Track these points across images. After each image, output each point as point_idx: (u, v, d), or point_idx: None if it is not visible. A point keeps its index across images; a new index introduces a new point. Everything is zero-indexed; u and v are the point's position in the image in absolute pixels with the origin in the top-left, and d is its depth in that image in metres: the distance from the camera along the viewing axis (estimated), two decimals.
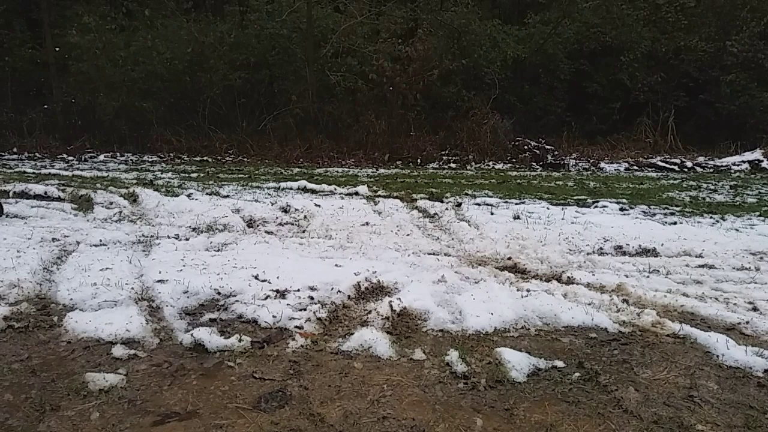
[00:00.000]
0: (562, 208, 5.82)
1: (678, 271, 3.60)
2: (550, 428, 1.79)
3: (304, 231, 4.60)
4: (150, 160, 11.95)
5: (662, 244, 4.20)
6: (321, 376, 2.10)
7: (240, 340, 2.34)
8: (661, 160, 12.20)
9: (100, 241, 3.98)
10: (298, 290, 2.94)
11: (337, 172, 10.15)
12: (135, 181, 7.78)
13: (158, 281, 2.97)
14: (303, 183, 7.44)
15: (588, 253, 4.03)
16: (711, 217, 5.61)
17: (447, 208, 5.61)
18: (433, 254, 3.96)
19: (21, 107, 13.61)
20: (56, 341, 2.35)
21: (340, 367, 2.17)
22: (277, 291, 2.93)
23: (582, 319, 2.65)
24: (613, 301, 2.93)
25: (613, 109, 14.87)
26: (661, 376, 2.15)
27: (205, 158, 12.24)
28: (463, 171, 10.97)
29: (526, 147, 12.71)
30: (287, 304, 2.75)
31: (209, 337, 2.35)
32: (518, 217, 5.27)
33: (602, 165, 12.20)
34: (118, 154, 12.55)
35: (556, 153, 12.69)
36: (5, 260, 3.28)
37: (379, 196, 6.69)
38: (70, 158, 11.77)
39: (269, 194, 6.71)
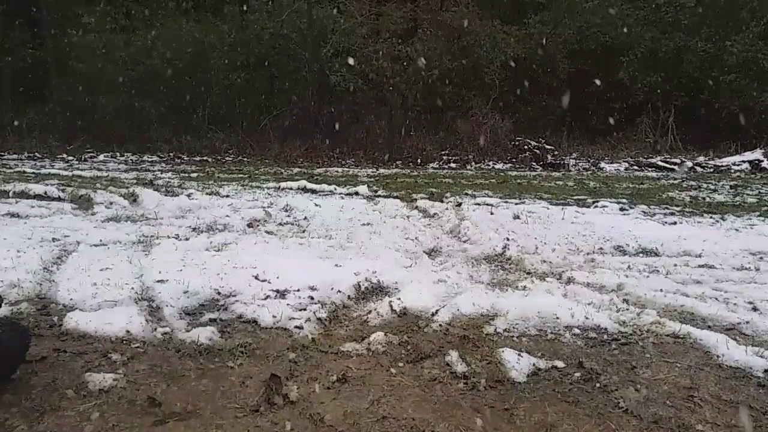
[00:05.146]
0: (562, 208, 5.82)
1: (678, 271, 3.59)
2: (550, 428, 1.79)
3: (304, 231, 4.59)
4: (150, 160, 11.94)
5: (662, 244, 4.19)
6: (321, 376, 2.10)
7: (240, 340, 2.34)
8: (661, 160, 12.20)
9: (100, 241, 3.98)
10: (298, 290, 2.94)
11: (337, 172, 10.15)
12: (135, 181, 7.78)
13: (158, 281, 2.97)
14: (303, 183, 7.44)
15: (588, 253, 4.02)
16: (711, 217, 5.60)
17: (447, 208, 5.61)
18: (433, 254, 3.96)
19: (21, 107, 13.60)
20: (56, 341, 2.34)
21: (340, 367, 2.17)
22: (277, 291, 2.93)
23: (582, 319, 2.65)
24: (613, 301, 2.92)
25: (613, 109, 14.86)
26: (661, 376, 2.15)
27: (205, 158, 12.24)
28: (463, 171, 10.97)
29: (526, 147, 12.71)
30: (287, 304, 2.74)
31: (209, 337, 2.35)
32: (518, 217, 5.27)
33: (602, 165, 12.20)
34: (118, 154, 12.54)
35: (556, 153, 12.69)
36: (5, 260, 3.28)
37: (379, 196, 6.69)
38: (70, 158, 11.77)
39: (269, 194, 6.71)
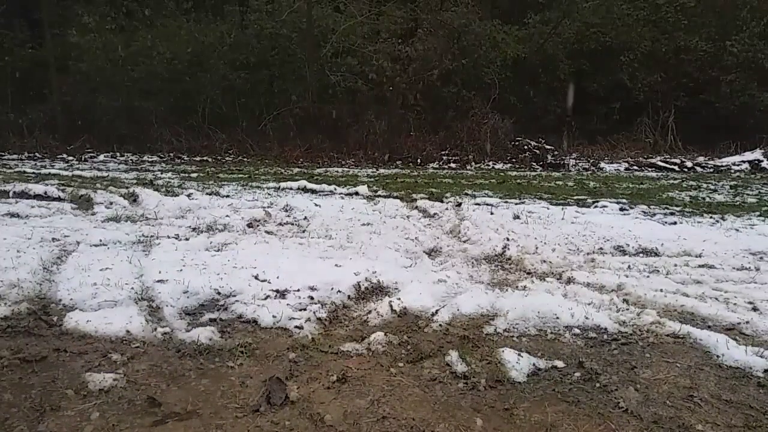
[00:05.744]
0: (562, 208, 5.82)
1: (678, 271, 3.59)
2: (550, 428, 1.79)
3: (304, 231, 4.59)
4: (150, 160, 11.95)
5: (662, 244, 4.19)
6: (321, 376, 2.10)
7: (240, 340, 2.34)
8: (661, 160, 12.21)
9: (100, 241, 3.98)
10: (298, 290, 2.94)
11: (337, 172, 10.15)
12: (135, 181, 7.78)
13: (158, 281, 2.97)
14: (303, 183, 7.44)
15: (588, 253, 4.02)
16: (711, 217, 5.60)
17: (447, 208, 5.61)
18: (433, 254, 3.96)
19: (21, 107, 13.61)
20: (56, 341, 2.34)
21: (340, 367, 2.17)
22: (277, 291, 2.93)
23: (582, 319, 2.65)
24: (613, 301, 2.92)
25: (613, 109, 14.87)
26: (661, 376, 2.15)
27: (205, 158, 12.24)
28: (463, 171, 10.98)
29: (526, 147, 12.73)
30: (287, 304, 2.74)
31: (209, 336, 2.35)
32: (518, 217, 5.27)
33: (602, 165, 12.21)
34: (118, 154, 12.55)
35: (556, 153, 12.70)
36: (5, 260, 3.27)
37: (379, 196, 6.69)
38: (70, 158, 11.77)
39: (269, 194, 6.71)
